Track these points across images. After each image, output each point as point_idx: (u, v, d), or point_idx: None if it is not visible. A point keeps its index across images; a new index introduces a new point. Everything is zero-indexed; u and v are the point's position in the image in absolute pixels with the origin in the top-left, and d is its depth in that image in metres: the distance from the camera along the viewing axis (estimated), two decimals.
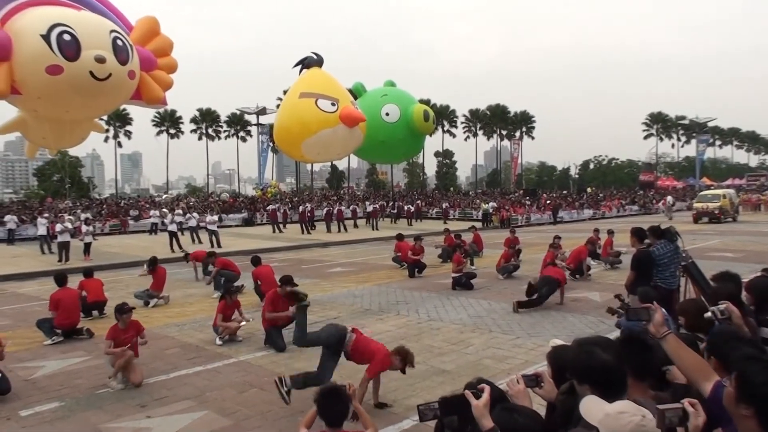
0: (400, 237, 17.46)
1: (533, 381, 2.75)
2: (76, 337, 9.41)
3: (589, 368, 2.41)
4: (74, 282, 10.96)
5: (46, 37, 7.22)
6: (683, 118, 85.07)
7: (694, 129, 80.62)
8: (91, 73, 7.61)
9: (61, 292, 9.60)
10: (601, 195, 57.03)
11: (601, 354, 2.41)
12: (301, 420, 4.19)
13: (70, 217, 25.07)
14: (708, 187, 55.10)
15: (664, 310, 3.14)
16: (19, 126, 10.31)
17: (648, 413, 2.09)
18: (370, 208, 34.84)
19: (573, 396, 2.67)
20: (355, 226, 33.00)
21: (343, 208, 34.03)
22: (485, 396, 2.31)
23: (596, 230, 17.70)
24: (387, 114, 13.20)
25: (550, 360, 3.22)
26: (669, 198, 43.05)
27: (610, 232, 16.63)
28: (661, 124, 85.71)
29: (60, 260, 19.01)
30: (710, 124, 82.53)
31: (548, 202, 44.75)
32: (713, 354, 2.82)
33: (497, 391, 2.63)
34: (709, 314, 3.55)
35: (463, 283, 13.00)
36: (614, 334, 6.90)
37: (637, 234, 8.20)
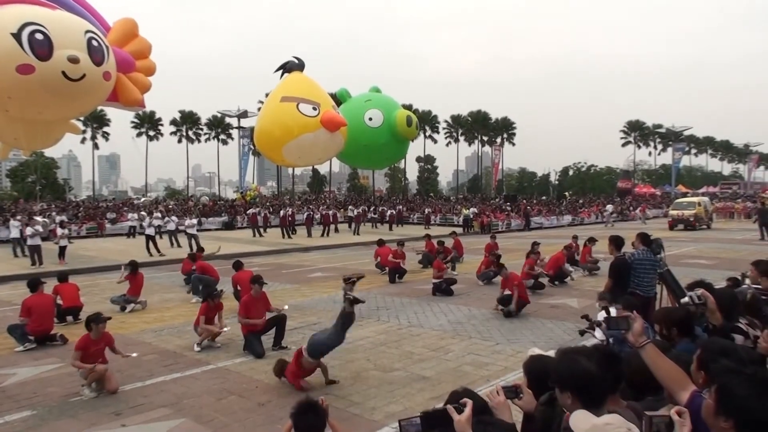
0: (380, 242, 17.44)
1: (513, 392, 2.75)
2: (50, 344, 9.22)
3: (571, 376, 2.42)
4: (49, 286, 10.75)
5: (17, 36, 7.09)
6: (660, 126, 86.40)
7: (671, 137, 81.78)
8: (64, 73, 7.47)
9: (34, 298, 9.38)
10: (580, 201, 57.54)
11: (585, 362, 2.42)
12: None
13: (45, 219, 24.60)
14: (683, 195, 55.97)
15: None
16: None
17: (634, 427, 2.09)
18: (352, 213, 34.81)
19: (552, 407, 2.67)
20: (336, 230, 32.94)
21: (330, 212, 33.82)
22: (467, 411, 2.30)
23: (575, 237, 17.84)
24: (370, 119, 13.16)
25: (526, 369, 3.23)
26: (609, 207, 44.09)
27: (591, 241, 16.76)
28: (638, 132, 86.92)
29: (33, 264, 18.62)
30: (686, 133, 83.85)
31: (528, 208, 45.07)
32: (704, 368, 2.83)
33: (480, 403, 2.61)
34: (686, 299, 3.69)
35: (444, 289, 13.01)
36: (592, 341, 6.96)
37: (615, 242, 8.27)
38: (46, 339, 9.25)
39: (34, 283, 9.72)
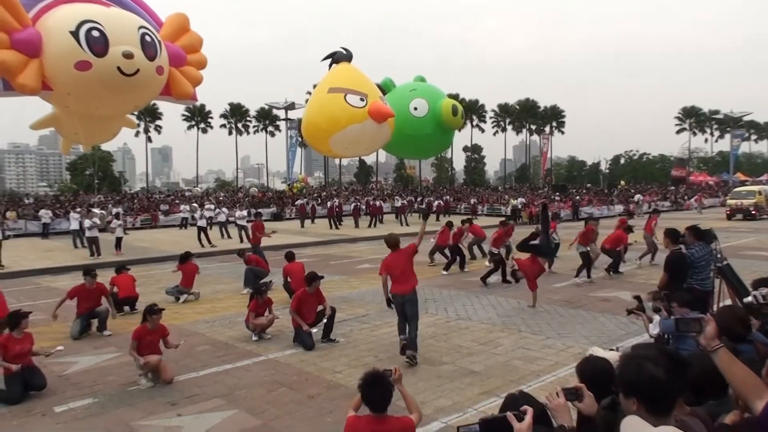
0: (450, 224, 17.04)
1: (573, 394, 2.65)
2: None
3: (638, 382, 2.31)
4: (107, 277, 11.13)
5: (75, 34, 7.36)
6: (717, 112, 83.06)
7: (729, 123, 78.60)
8: (119, 68, 7.71)
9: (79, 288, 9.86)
10: (632, 191, 55.71)
11: (652, 367, 2.30)
12: (349, 403, 4.14)
13: (102, 212, 25.44)
14: (742, 183, 53.78)
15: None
16: (53, 122, 10.50)
17: None
18: (398, 204, 34.79)
19: (614, 412, 2.57)
20: (381, 221, 32.99)
21: (377, 202, 33.84)
22: (528, 419, 2.22)
23: (629, 227, 17.34)
24: (415, 108, 13.05)
25: (578, 371, 3.13)
26: (638, 196, 43.51)
27: (655, 212, 16.57)
28: (694, 118, 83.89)
29: (92, 255, 19.24)
30: (745, 119, 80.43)
31: (578, 198, 44.08)
32: None
33: (538, 408, 2.54)
34: (750, 298, 3.52)
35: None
36: (644, 336, 6.75)
37: (671, 235, 7.96)
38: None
39: (89, 270, 10.10)
